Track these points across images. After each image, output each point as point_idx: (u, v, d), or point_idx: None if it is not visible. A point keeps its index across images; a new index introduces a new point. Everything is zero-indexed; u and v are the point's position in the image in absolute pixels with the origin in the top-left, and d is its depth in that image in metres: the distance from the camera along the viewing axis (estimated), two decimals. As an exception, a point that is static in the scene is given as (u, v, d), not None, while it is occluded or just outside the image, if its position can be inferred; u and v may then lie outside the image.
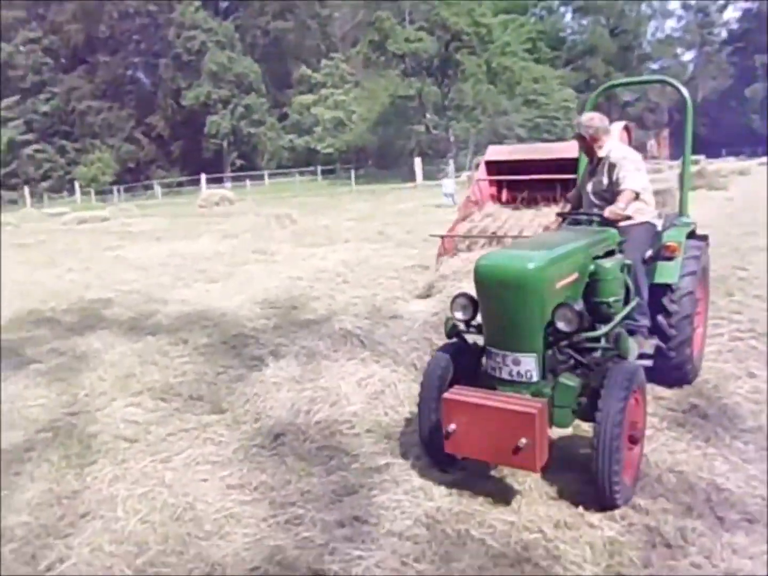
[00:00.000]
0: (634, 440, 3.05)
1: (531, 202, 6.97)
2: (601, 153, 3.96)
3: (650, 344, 3.91)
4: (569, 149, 5.84)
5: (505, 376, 3.09)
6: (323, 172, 48.47)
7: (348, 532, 2.86)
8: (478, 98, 39.85)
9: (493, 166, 6.51)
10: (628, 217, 3.85)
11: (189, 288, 8.94)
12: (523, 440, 2.74)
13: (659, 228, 4.15)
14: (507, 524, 2.88)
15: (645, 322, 3.90)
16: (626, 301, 3.69)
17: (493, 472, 3.35)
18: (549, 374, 3.11)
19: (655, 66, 63.11)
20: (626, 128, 6.23)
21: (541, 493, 3.12)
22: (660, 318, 4.01)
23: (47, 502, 3.28)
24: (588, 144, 3.97)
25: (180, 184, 45.76)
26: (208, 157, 48.95)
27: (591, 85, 62.48)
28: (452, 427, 2.95)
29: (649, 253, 3.95)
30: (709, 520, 2.85)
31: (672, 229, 4.26)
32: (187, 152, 50.74)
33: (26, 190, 38.85)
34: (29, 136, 45.73)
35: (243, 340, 6.06)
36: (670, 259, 4.00)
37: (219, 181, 43.83)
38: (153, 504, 3.18)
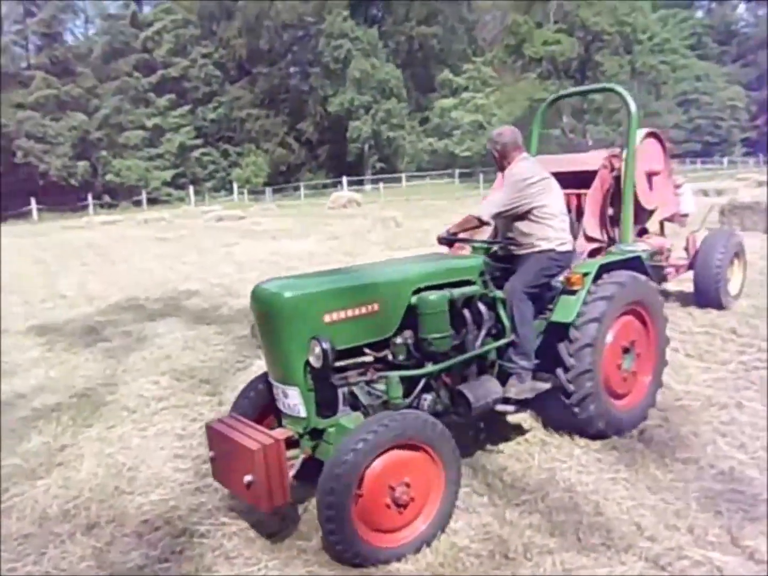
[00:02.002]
0: (400, 503, 2.74)
1: None
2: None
3: (527, 388, 3.48)
4: (591, 161, 5.63)
5: (283, 408, 3.02)
6: (461, 175, 48.68)
7: (235, 502, 3.27)
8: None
9: None
10: (516, 244, 3.64)
11: (267, 284, 9.79)
12: (248, 477, 2.69)
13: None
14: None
15: (523, 363, 3.49)
16: (498, 338, 3.50)
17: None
18: (353, 412, 3.04)
19: None
20: (654, 135, 5.76)
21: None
22: (561, 350, 3.57)
23: (38, 451, 4.05)
24: (498, 160, 3.76)
25: (325, 186, 48.56)
26: (351, 160, 51.41)
27: (763, 82, 56.39)
28: (211, 454, 3.03)
29: (545, 283, 3.60)
30: (569, 541, 2.87)
31: (602, 257, 3.89)
32: (332, 156, 53.70)
33: (191, 189, 43.43)
34: (197, 141, 51.07)
35: (276, 333, 6.67)
36: (571, 293, 3.55)
37: (359, 183, 45.87)
38: (108, 461, 3.83)
